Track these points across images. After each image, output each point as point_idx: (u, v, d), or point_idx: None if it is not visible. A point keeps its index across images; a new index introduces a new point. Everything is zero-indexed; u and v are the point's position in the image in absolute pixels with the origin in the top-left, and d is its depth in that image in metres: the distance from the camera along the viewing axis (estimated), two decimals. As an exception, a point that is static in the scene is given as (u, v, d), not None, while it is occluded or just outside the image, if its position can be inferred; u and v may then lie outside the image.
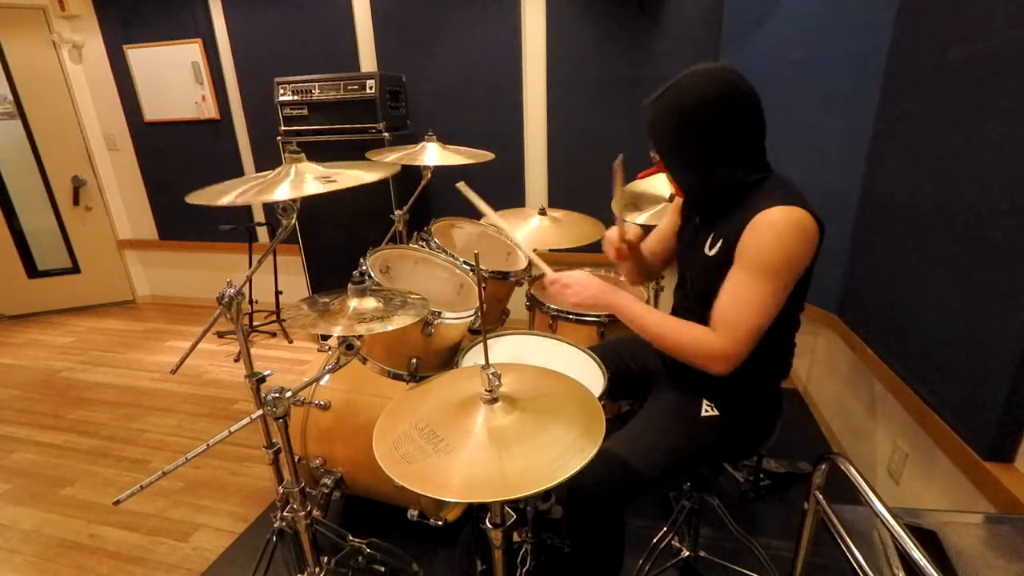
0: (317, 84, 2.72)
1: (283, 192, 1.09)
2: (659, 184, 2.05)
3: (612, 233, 1.35)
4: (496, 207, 2.24)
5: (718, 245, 1.09)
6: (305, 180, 1.13)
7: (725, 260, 1.06)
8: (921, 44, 1.54)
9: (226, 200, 1.05)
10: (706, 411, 1.17)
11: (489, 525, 1.01)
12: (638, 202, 2.02)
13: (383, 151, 1.98)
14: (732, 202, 1.08)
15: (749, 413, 1.19)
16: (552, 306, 1.84)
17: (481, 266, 0.99)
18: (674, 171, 1.15)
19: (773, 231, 0.98)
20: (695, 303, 1.18)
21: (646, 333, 1.12)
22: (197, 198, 1.08)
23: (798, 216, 0.98)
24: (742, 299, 1.00)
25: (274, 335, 3.41)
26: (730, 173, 1.06)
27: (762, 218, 0.99)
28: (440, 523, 1.53)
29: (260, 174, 1.20)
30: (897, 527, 0.69)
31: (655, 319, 1.11)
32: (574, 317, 1.80)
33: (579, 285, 1.20)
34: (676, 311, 1.29)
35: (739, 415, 1.17)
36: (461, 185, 1.42)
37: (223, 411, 2.59)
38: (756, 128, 1.05)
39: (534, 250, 1.47)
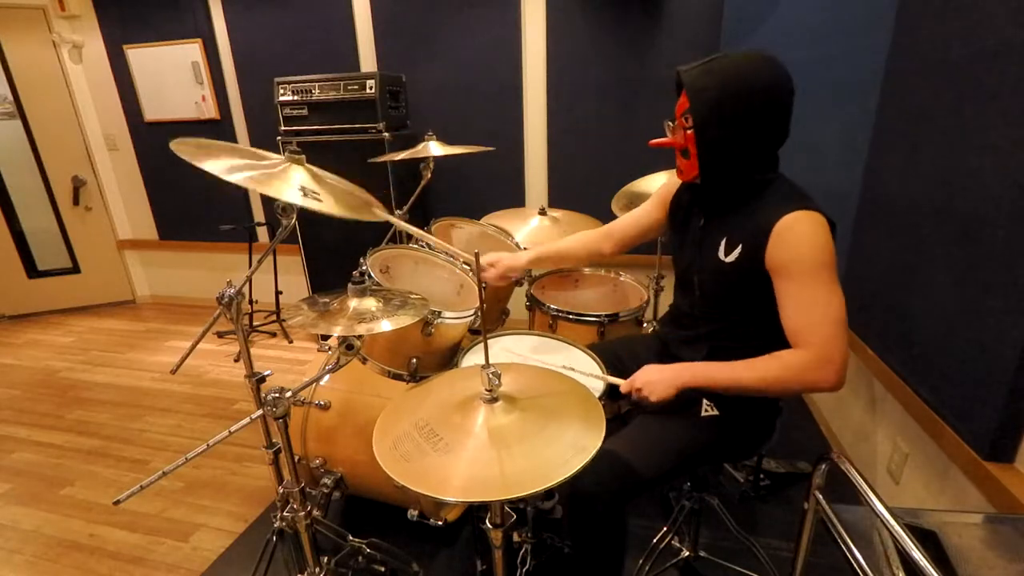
0: (317, 84, 2.72)
1: (275, 189, 1.09)
2: (658, 185, 2.05)
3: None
4: (496, 207, 2.26)
5: (736, 252, 1.07)
6: (292, 186, 1.13)
7: (745, 269, 1.05)
8: (921, 43, 1.54)
9: (216, 168, 1.03)
10: (706, 411, 1.17)
11: (489, 525, 1.01)
12: (637, 202, 2.02)
13: (384, 157, 1.98)
14: (740, 199, 1.08)
15: (749, 413, 1.19)
16: (552, 306, 1.84)
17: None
18: (703, 143, 1.06)
19: (807, 236, 0.98)
20: (703, 309, 1.17)
21: (747, 389, 1.04)
22: (182, 149, 1.03)
23: (820, 219, 1.00)
24: (816, 308, 0.98)
25: (274, 335, 3.41)
26: (748, 164, 1.06)
27: (788, 228, 0.99)
28: (440, 523, 1.53)
29: (260, 151, 1.20)
30: (897, 527, 0.69)
31: (747, 371, 1.04)
32: (574, 317, 1.81)
33: (651, 384, 1.11)
34: (678, 317, 1.28)
35: (739, 414, 1.17)
36: None
37: (223, 411, 2.59)
38: (785, 129, 1.06)
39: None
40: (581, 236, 1.49)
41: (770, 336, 1.06)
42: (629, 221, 1.42)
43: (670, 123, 1.15)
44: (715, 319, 1.16)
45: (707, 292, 1.16)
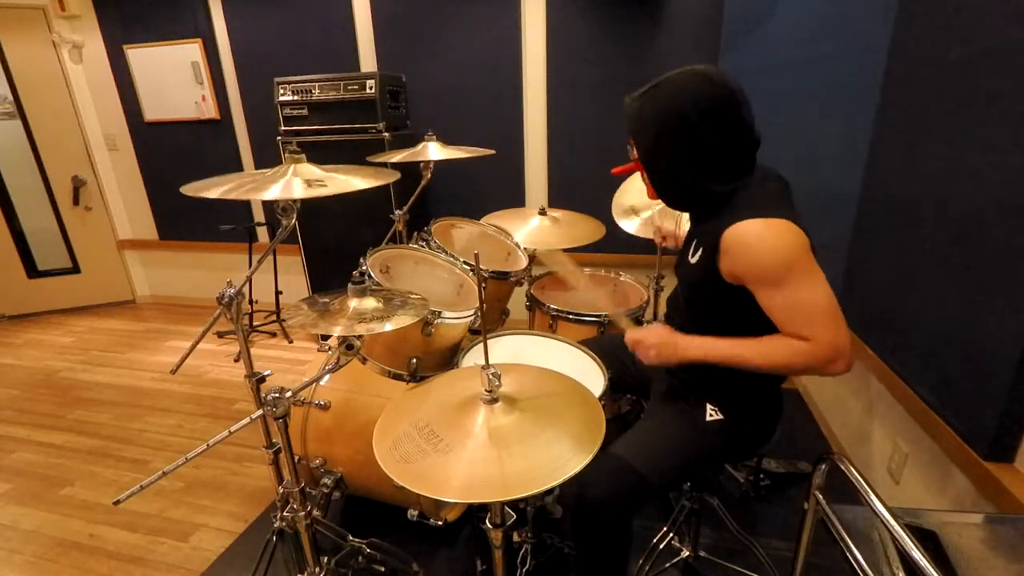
0: (317, 84, 2.72)
1: (274, 192, 1.09)
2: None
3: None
4: (496, 207, 2.26)
5: (699, 253, 1.10)
6: (294, 183, 1.13)
7: (704, 270, 1.06)
8: (921, 44, 1.54)
9: (216, 193, 1.05)
10: (711, 415, 1.17)
11: (489, 525, 1.01)
12: (635, 207, 2.03)
13: (384, 155, 1.98)
14: (709, 210, 1.08)
15: (753, 415, 1.19)
16: (552, 306, 1.84)
17: (481, 266, 0.99)
18: (650, 171, 1.12)
19: (756, 242, 0.97)
20: (683, 308, 1.20)
21: (756, 365, 1.03)
22: (190, 190, 1.10)
23: (765, 224, 0.97)
24: (798, 306, 0.97)
25: (274, 335, 3.41)
26: (703, 183, 1.05)
27: (732, 240, 0.98)
28: (440, 523, 1.53)
29: (257, 171, 1.21)
30: (897, 527, 0.69)
31: (757, 349, 1.03)
32: (574, 317, 1.81)
33: (658, 349, 1.11)
34: (672, 317, 1.28)
35: (743, 417, 1.17)
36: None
37: (223, 411, 2.59)
38: (741, 139, 1.03)
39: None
40: None
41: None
42: None
43: (630, 147, 1.17)
44: (698, 320, 1.16)
45: (686, 294, 1.19)
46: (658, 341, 1.12)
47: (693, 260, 1.12)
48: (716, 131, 1.00)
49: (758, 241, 0.97)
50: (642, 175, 1.17)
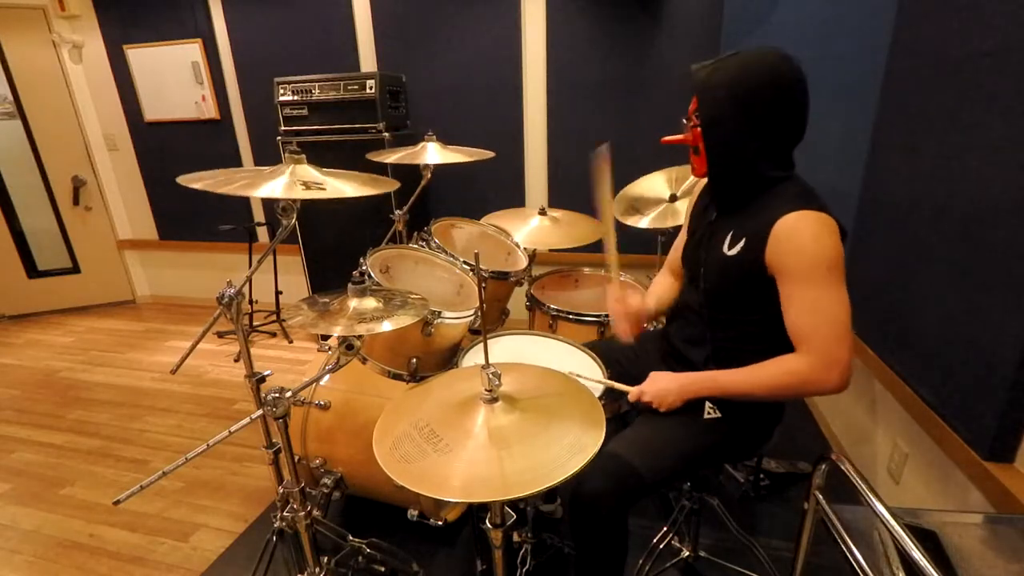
0: (317, 84, 2.72)
1: (271, 190, 1.09)
2: (658, 185, 2.05)
3: (614, 297, 1.35)
4: (496, 207, 2.26)
5: (740, 244, 1.07)
6: (294, 183, 1.13)
7: (746, 264, 1.05)
8: (921, 43, 1.54)
9: (200, 185, 1.06)
10: (709, 413, 1.17)
11: (489, 525, 1.01)
12: (637, 205, 2.03)
13: (384, 153, 1.99)
14: (750, 196, 1.08)
15: (751, 414, 1.19)
16: (552, 306, 1.84)
17: (481, 266, 0.99)
18: (709, 138, 1.07)
19: (808, 236, 0.98)
20: (707, 306, 1.17)
21: (756, 397, 1.07)
22: (188, 180, 1.11)
23: (825, 219, 0.99)
24: (818, 309, 0.98)
25: (274, 335, 3.41)
26: (758, 162, 1.05)
27: (789, 227, 0.98)
28: (440, 523, 1.53)
29: (257, 168, 1.21)
30: (897, 527, 0.69)
31: (752, 378, 1.06)
32: (574, 317, 1.81)
33: (660, 395, 1.15)
34: (684, 315, 1.27)
35: (741, 416, 1.17)
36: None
37: (223, 411, 2.59)
38: (800, 127, 1.05)
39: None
40: (660, 283, 1.45)
41: (774, 339, 1.06)
42: (680, 249, 1.39)
43: (685, 120, 1.15)
44: (719, 318, 1.16)
45: (711, 288, 1.16)
46: (656, 391, 1.15)
47: (732, 252, 1.08)
48: (786, 109, 1.01)
49: (814, 234, 0.97)
50: (690, 151, 1.15)
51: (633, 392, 1.18)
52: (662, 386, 1.15)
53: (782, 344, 1.04)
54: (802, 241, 0.98)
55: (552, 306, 1.84)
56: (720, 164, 1.09)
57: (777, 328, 1.05)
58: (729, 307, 1.14)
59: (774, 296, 1.04)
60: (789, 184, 1.07)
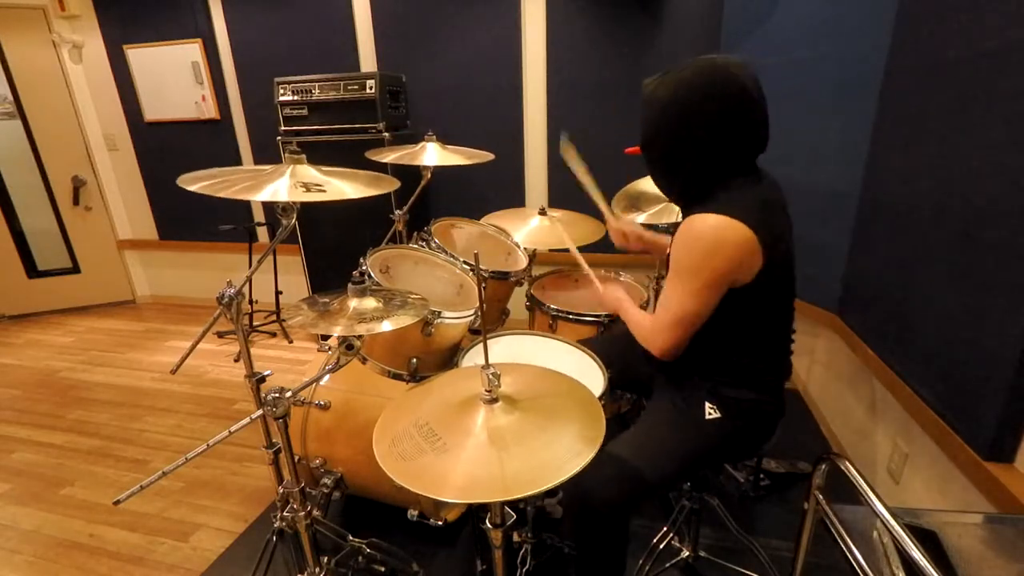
0: (317, 84, 2.72)
1: (273, 192, 1.09)
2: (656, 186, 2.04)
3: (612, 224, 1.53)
4: (496, 207, 2.26)
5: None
6: (293, 185, 1.13)
7: None
8: (921, 44, 1.54)
9: (198, 188, 1.06)
10: (709, 414, 1.17)
11: (489, 525, 1.01)
12: (637, 203, 2.02)
13: (383, 151, 1.98)
14: (697, 203, 1.09)
15: (752, 414, 1.19)
16: (552, 306, 1.84)
17: (481, 266, 0.99)
18: (647, 159, 1.15)
19: (690, 235, 1.02)
20: None
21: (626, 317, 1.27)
22: (188, 181, 1.11)
23: (714, 222, 0.99)
24: (665, 294, 1.10)
25: (274, 335, 3.41)
26: (697, 177, 1.07)
27: (685, 224, 1.04)
28: (440, 523, 1.53)
29: (257, 167, 1.21)
30: (897, 527, 0.69)
31: (633, 317, 1.24)
32: (574, 317, 1.80)
33: (601, 297, 1.38)
34: None
35: (742, 417, 1.17)
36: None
37: (223, 411, 2.59)
38: (751, 138, 1.04)
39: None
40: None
41: (744, 342, 1.12)
42: None
43: None
44: None
45: None
46: (603, 295, 1.39)
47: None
48: (728, 123, 1.00)
49: (695, 234, 1.02)
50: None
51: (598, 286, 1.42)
52: (609, 293, 1.36)
53: (756, 337, 1.11)
54: (686, 238, 1.03)
55: (552, 306, 1.84)
56: (660, 179, 1.17)
57: (742, 331, 1.10)
58: None
59: (727, 300, 1.06)
60: (719, 193, 1.05)
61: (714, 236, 0.99)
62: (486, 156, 2.00)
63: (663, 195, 1.27)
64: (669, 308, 1.09)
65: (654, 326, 1.13)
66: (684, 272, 1.05)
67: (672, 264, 1.08)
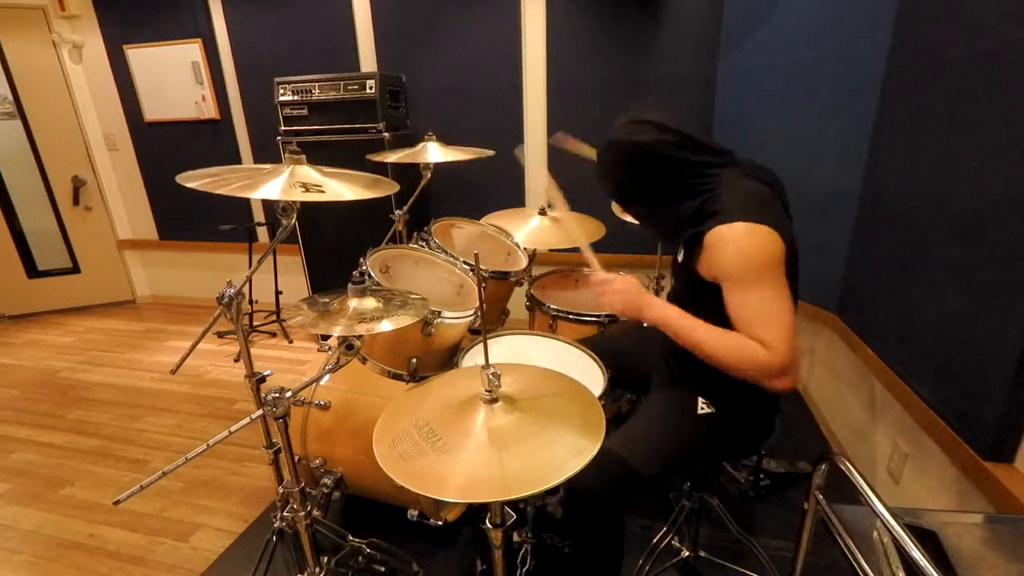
0: (317, 84, 2.72)
1: (270, 191, 1.09)
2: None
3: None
4: (496, 207, 2.26)
5: (682, 251, 1.17)
6: (294, 184, 1.13)
7: (688, 267, 1.13)
8: (921, 44, 1.54)
9: (195, 184, 1.06)
10: (702, 408, 1.17)
11: (489, 525, 1.01)
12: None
13: (384, 154, 1.99)
14: (686, 225, 1.12)
15: (745, 410, 1.19)
16: (552, 306, 1.84)
17: (481, 266, 0.99)
18: (632, 212, 1.26)
19: (735, 245, 1.01)
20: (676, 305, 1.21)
21: (702, 349, 1.07)
22: (187, 179, 1.13)
23: (752, 228, 1.01)
24: (753, 311, 1.01)
25: (274, 335, 3.41)
26: (677, 210, 1.11)
27: (717, 239, 1.03)
28: (440, 523, 1.53)
29: (256, 166, 1.21)
30: (897, 527, 0.69)
31: (708, 341, 1.06)
32: (574, 317, 1.80)
33: (620, 296, 1.19)
34: None
35: (735, 412, 1.18)
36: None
37: (223, 411, 2.59)
38: (678, 170, 1.10)
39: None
40: None
41: None
42: None
43: None
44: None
45: (677, 292, 1.24)
46: (625, 288, 1.19)
47: (680, 259, 1.19)
48: (648, 177, 1.12)
49: (735, 243, 1.01)
50: None
51: (599, 275, 1.26)
52: (633, 287, 1.19)
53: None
54: (727, 250, 1.02)
55: (552, 306, 1.84)
56: (653, 218, 1.23)
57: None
58: (690, 308, 1.15)
59: (721, 303, 1.06)
60: (722, 199, 1.07)
61: (753, 236, 1.00)
62: (486, 152, 2.01)
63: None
64: (778, 314, 0.99)
65: (774, 349, 0.97)
66: (754, 279, 1.00)
67: (736, 281, 1.02)
